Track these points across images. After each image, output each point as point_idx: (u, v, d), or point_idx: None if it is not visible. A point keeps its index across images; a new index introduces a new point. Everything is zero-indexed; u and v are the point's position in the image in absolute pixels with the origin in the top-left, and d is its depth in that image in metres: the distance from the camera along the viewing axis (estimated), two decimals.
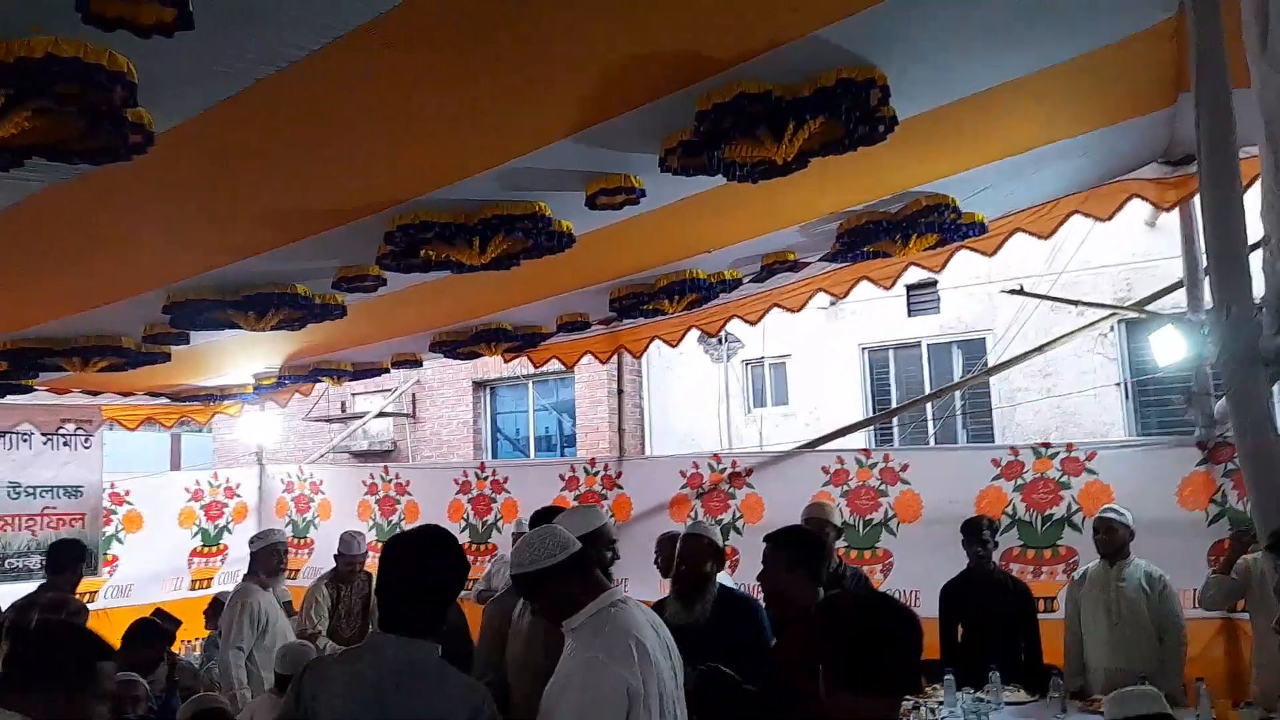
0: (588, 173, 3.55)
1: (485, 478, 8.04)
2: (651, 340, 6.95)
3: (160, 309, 4.73)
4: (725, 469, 6.95)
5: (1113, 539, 4.81)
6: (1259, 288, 2.35)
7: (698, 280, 5.31)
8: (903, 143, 3.34)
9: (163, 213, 3.62)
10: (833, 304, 11.39)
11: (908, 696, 4.10)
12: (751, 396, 12.68)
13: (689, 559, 3.85)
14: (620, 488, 7.41)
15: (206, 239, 4.01)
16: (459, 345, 6.45)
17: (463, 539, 7.74)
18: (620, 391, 9.64)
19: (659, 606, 3.88)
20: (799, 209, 4.48)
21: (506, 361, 7.68)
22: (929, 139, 3.68)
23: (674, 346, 7.01)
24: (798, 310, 6.36)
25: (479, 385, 14.50)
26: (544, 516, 3.41)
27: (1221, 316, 2.25)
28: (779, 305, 6.32)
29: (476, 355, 6.76)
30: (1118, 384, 9.55)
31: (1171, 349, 5.61)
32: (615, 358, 7.81)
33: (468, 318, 6.16)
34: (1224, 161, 2.44)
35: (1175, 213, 5.68)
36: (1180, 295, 5.77)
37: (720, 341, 11.89)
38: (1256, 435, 2.21)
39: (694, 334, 7.21)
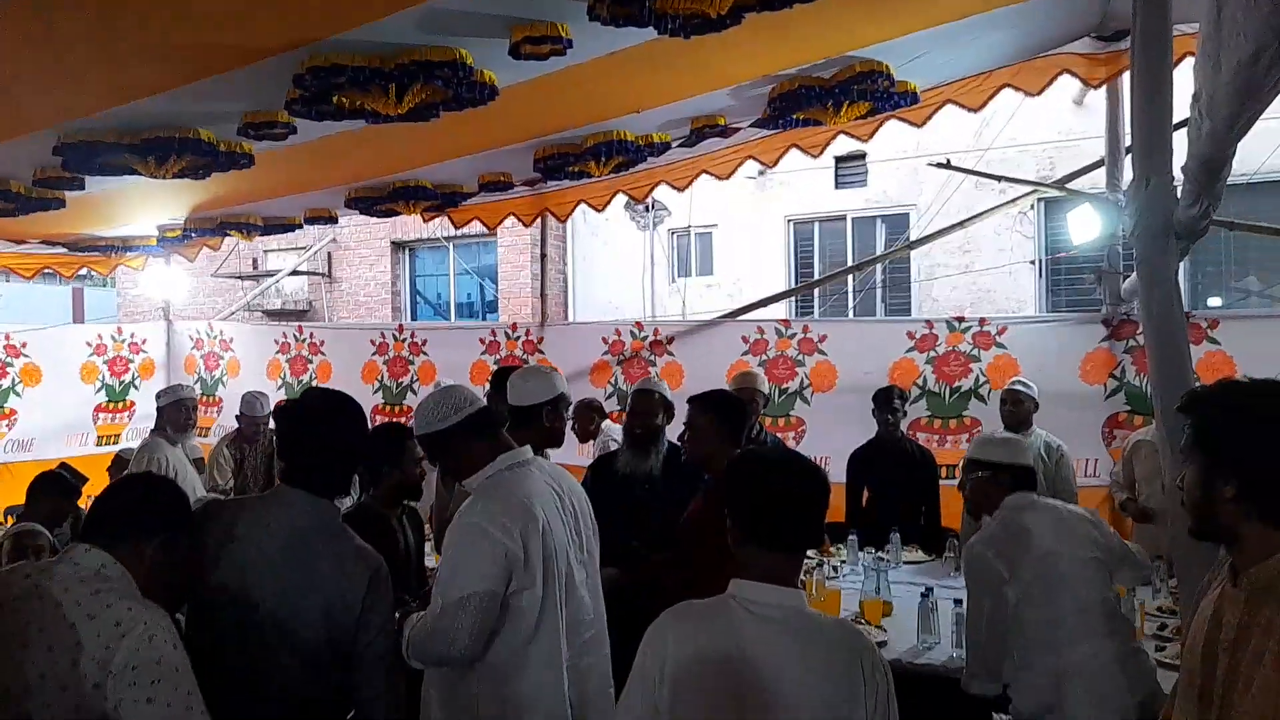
0: (513, 18, 3.35)
1: (403, 339, 7.93)
2: (577, 204, 6.80)
3: (51, 151, 4.41)
4: (647, 337, 6.97)
5: (1019, 410, 5.01)
6: (1179, 164, 2.37)
7: (626, 142, 5.17)
8: (839, 3, 3.23)
9: (49, 49, 3.32)
10: (761, 174, 11.31)
11: (810, 553, 4.30)
12: (676, 266, 12.66)
13: (642, 414, 4.07)
14: (541, 353, 7.39)
15: (97, 77, 3.71)
16: (376, 202, 6.22)
17: (376, 400, 7.70)
18: (544, 256, 9.50)
19: (611, 458, 4.15)
20: (731, 70, 4.34)
21: (426, 221, 7.45)
22: (868, 1, 3.57)
23: (600, 210, 6.88)
24: (727, 177, 6.27)
25: (398, 246, 14.15)
26: (504, 376, 3.44)
27: (1141, 188, 2.27)
28: (708, 172, 6.22)
29: (394, 213, 6.53)
30: (1032, 262, 9.78)
31: (1087, 227, 5.76)
32: (540, 221, 7.65)
33: (385, 173, 5.92)
34: (1158, 35, 2.41)
35: (1102, 92, 5.71)
36: (1100, 176, 5.85)
37: (647, 209, 11.76)
38: (1163, 305, 2.27)
39: (621, 200, 7.09)
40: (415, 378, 7.81)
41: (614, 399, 6.91)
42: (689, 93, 4.63)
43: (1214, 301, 9.00)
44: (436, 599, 2.40)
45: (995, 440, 3.23)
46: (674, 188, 6.44)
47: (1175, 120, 2.90)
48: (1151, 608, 3.96)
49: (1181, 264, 2.44)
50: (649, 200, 11.38)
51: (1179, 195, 2.19)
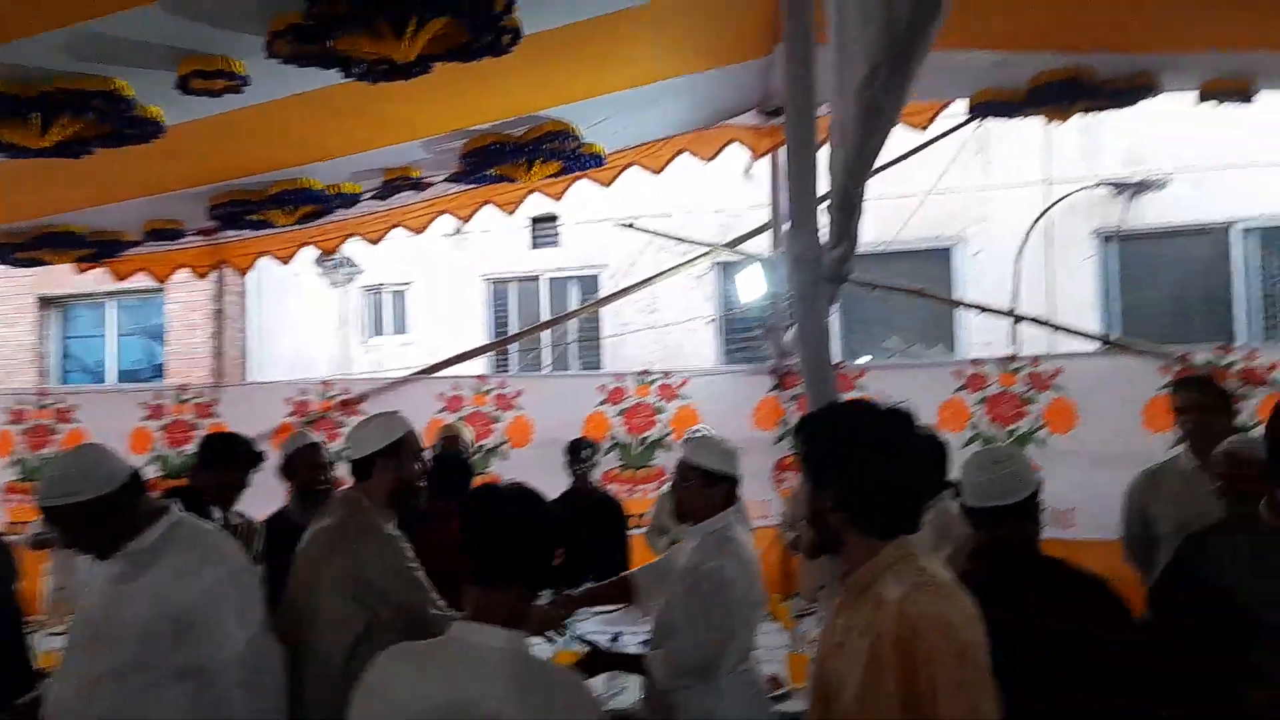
0: (181, 49, 3.13)
1: (47, 405, 6.99)
2: (260, 255, 6.41)
3: None
4: (336, 396, 6.66)
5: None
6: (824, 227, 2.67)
7: (313, 191, 4.95)
8: (528, 62, 3.33)
9: None
10: (458, 232, 11.30)
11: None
12: (370, 325, 12.28)
13: (313, 468, 4.50)
14: (216, 416, 6.81)
15: None
16: (17, 249, 5.49)
17: (7, 476, 6.75)
18: (221, 313, 8.82)
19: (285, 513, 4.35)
20: (424, 122, 4.33)
21: (81, 273, 6.66)
22: (554, 60, 3.71)
23: (286, 263, 6.52)
24: (421, 231, 6.21)
25: (46, 302, 12.55)
26: (212, 446, 3.71)
27: (794, 236, 2.55)
28: (402, 225, 6.12)
29: (41, 263, 5.80)
30: (711, 320, 10.54)
31: (754, 286, 6.33)
32: (218, 275, 7.12)
33: (30, 216, 5.25)
34: (806, 106, 2.71)
35: (767, 163, 6.32)
36: (766, 240, 6.43)
37: (338, 265, 11.34)
38: (816, 343, 2.55)
39: (311, 255, 6.78)
40: (61, 450, 6.89)
41: None
42: (381, 142, 4.55)
43: (864, 359, 10.18)
44: None
45: (710, 445, 3.24)
46: (367, 240, 6.26)
47: (821, 192, 3.29)
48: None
49: (836, 323, 2.75)
50: (341, 256, 11.00)
51: (824, 241, 2.48)
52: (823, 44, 2.92)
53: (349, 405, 6.58)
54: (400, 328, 12.10)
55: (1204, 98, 4.56)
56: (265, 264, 6.68)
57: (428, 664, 1.82)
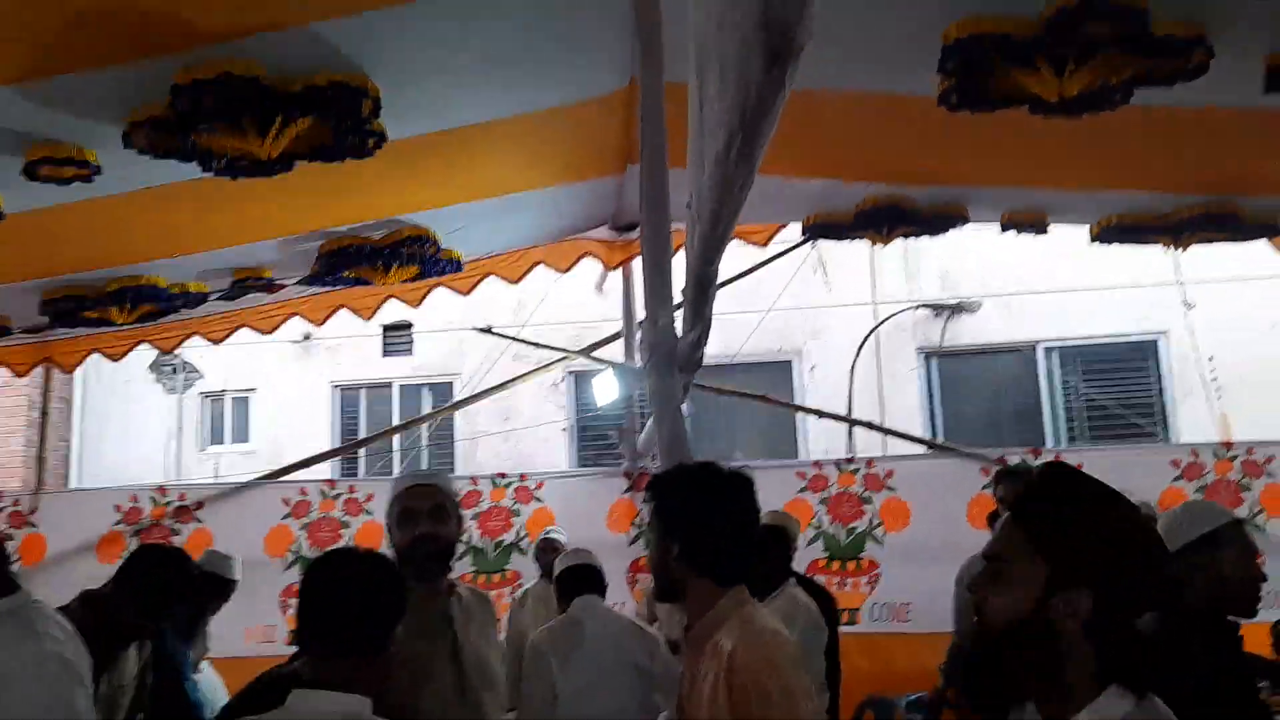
0: (30, 134, 3.08)
1: None
2: (90, 353, 6.11)
3: None
4: (171, 502, 6.32)
5: (556, 557, 5.34)
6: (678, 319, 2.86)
7: (157, 289, 4.82)
8: (390, 166, 3.44)
9: None
10: (306, 339, 11.09)
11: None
12: (209, 433, 11.75)
13: None
14: (33, 525, 6.33)
15: None
16: None
17: None
18: (45, 416, 8.26)
19: None
20: (282, 221, 4.34)
21: None
22: (415, 166, 3.84)
23: (117, 360, 6.24)
24: (269, 332, 6.10)
25: None
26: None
27: (651, 326, 2.73)
28: (249, 325, 6.00)
29: None
30: (564, 428, 10.64)
31: (609, 391, 6.50)
32: (42, 374, 6.73)
33: None
34: (660, 216, 2.91)
35: (619, 277, 6.59)
36: (619, 348, 6.64)
37: (175, 371, 10.87)
38: (672, 430, 2.71)
39: (146, 360, 6.52)
40: None
41: None
42: (235, 240, 4.52)
43: None
44: None
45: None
46: (209, 340, 6.09)
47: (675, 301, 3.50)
48: None
49: (688, 434, 2.93)
50: (179, 361, 10.55)
51: (679, 332, 2.67)
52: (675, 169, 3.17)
53: (185, 512, 6.25)
54: (242, 436, 11.63)
55: (1005, 228, 5.10)
56: (94, 367, 6.38)
57: None
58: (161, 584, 2.86)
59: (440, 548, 2.56)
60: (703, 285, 2.38)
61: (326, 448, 10.61)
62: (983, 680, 2.04)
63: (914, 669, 5.44)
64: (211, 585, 4.01)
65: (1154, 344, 9.67)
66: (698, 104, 1.98)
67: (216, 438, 11.73)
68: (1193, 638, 2.06)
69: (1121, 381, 9.61)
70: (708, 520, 2.03)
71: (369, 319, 6.21)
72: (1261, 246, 5.30)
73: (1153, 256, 5.63)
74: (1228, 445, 5.93)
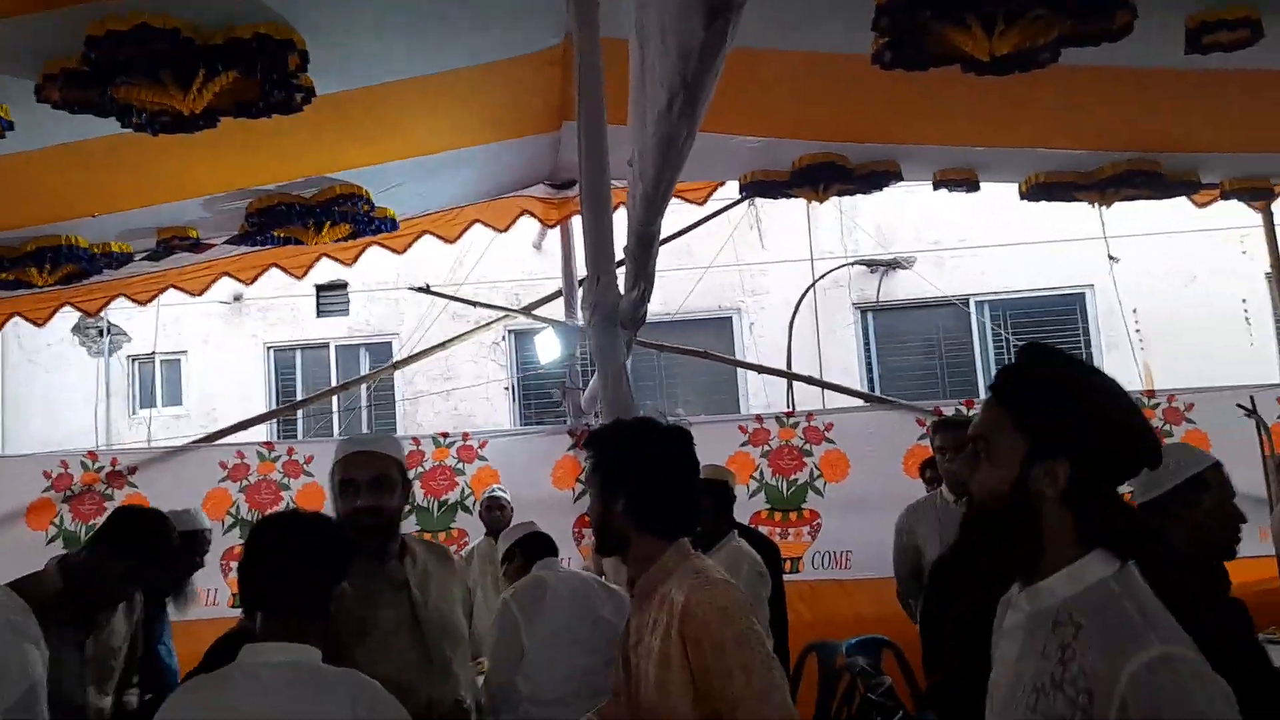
0: None
1: None
2: (11, 317, 5.90)
3: None
4: (103, 468, 6.17)
5: (502, 515, 5.38)
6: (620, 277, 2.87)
7: (77, 249, 4.65)
8: (320, 122, 3.37)
9: None
10: (237, 300, 10.83)
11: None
12: (139, 396, 11.45)
13: None
14: None
15: None
16: None
17: None
18: None
19: None
20: (206, 179, 4.23)
21: None
22: (346, 123, 3.76)
23: (41, 325, 6.04)
24: (198, 294, 5.95)
25: None
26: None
27: (593, 285, 2.73)
28: (177, 286, 5.84)
29: None
30: (506, 386, 10.59)
31: (550, 349, 6.49)
32: None
33: None
34: (599, 176, 2.89)
35: (557, 235, 6.55)
36: (559, 306, 6.62)
37: (101, 334, 10.55)
38: (615, 385, 2.73)
39: (69, 323, 6.31)
40: None
41: (58, 542, 5.95)
42: (158, 199, 4.39)
43: None
44: None
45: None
46: (134, 301, 5.92)
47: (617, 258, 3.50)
48: None
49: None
50: (104, 323, 10.23)
51: (622, 289, 2.68)
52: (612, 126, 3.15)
53: (118, 478, 6.11)
54: (174, 399, 11.34)
55: (938, 185, 5.19)
56: (15, 332, 6.17)
57: (215, 691, 1.83)
58: (149, 547, 2.82)
59: (381, 521, 2.50)
60: (645, 243, 2.39)
61: (261, 410, 10.43)
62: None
63: (854, 614, 5.60)
64: (189, 543, 3.93)
65: (1081, 297, 9.92)
66: (639, 63, 1.97)
67: (147, 401, 11.43)
68: (1186, 581, 2.12)
69: (1050, 334, 9.84)
70: (649, 475, 2.03)
71: (301, 278, 6.09)
72: (1182, 202, 5.48)
73: (1079, 212, 5.77)
74: (1150, 394, 6.12)
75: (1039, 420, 1.36)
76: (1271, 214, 5.93)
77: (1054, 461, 1.34)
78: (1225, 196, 5.36)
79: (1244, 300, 9.44)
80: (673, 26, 1.49)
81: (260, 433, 8.47)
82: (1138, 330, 9.08)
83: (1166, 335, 9.06)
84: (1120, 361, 9.33)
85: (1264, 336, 9.38)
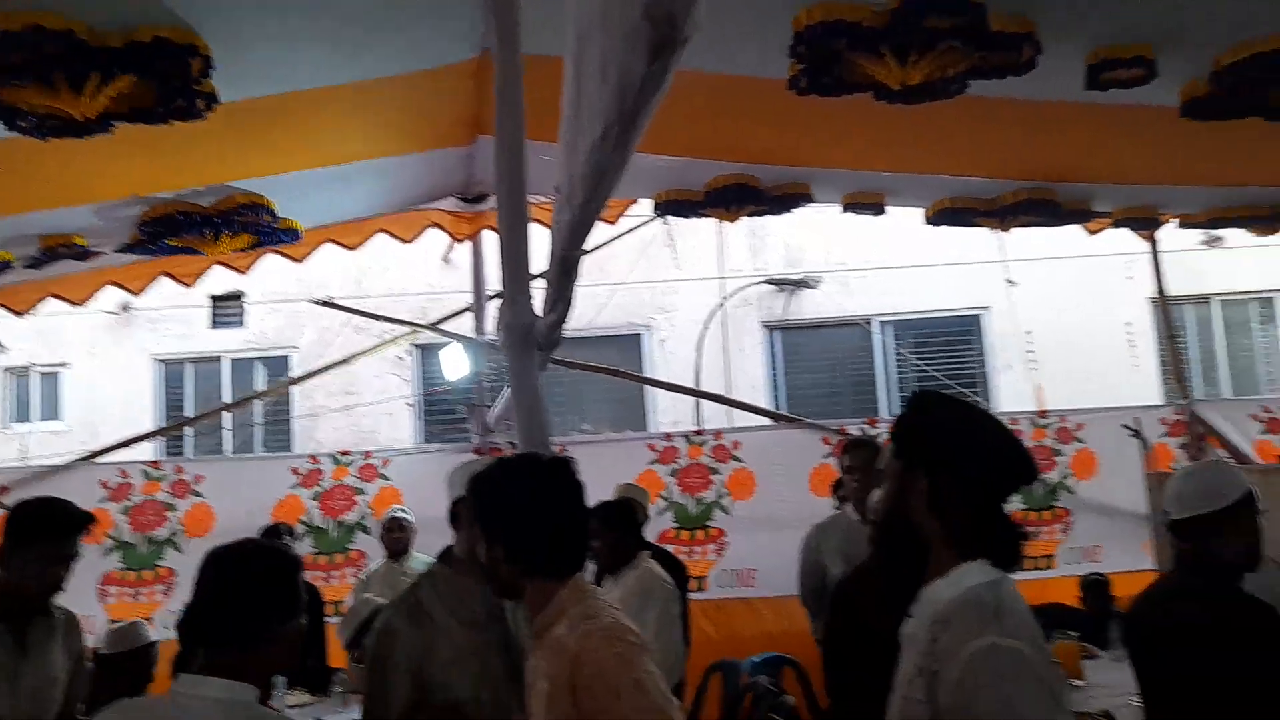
0: None
1: None
2: None
3: None
4: None
5: (403, 536, 5.23)
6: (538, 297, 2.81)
7: None
8: (222, 130, 3.22)
9: None
10: (125, 310, 10.33)
11: None
12: (13, 410, 10.81)
13: None
14: None
15: None
16: None
17: None
18: None
19: None
20: (99, 186, 4.00)
21: None
22: (249, 131, 3.62)
23: None
24: (81, 303, 5.64)
25: None
26: None
27: (509, 305, 2.67)
28: (58, 296, 5.51)
29: None
30: (410, 403, 10.36)
31: (458, 365, 6.36)
32: None
33: None
34: (517, 193, 2.82)
35: (467, 250, 6.43)
36: (467, 321, 6.50)
37: None
38: (531, 406, 2.67)
39: None
40: None
41: None
42: (42, 205, 4.13)
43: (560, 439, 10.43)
44: None
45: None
46: (12, 311, 5.56)
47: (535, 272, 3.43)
48: None
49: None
50: None
51: (539, 310, 2.63)
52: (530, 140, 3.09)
53: None
54: (51, 414, 10.75)
55: (846, 208, 5.31)
56: None
57: (145, 715, 1.82)
58: (52, 526, 2.81)
59: None
60: (566, 267, 2.35)
61: (148, 426, 9.97)
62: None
63: (758, 632, 5.65)
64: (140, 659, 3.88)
65: (977, 318, 10.27)
66: (574, 89, 1.94)
67: (23, 415, 10.81)
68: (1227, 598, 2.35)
69: (948, 354, 10.17)
70: (527, 520, 1.96)
71: (192, 286, 5.82)
72: (1075, 230, 5.73)
73: (979, 237, 5.97)
74: (1043, 414, 6.31)
75: (905, 443, 1.67)
76: (1156, 242, 6.23)
77: (915, 473, 1.61)
78: (1116, 225, 5.62)
79: (1128, 324, 9.92)
80: (614, 59, 1.47)
81: (146, 450, 8.10)
82: (1031, 351, 9.46)
83: (1057, 356, 9.45)
84: (1014, 381, 9.70)
85: (1147, 358, 9.86)
